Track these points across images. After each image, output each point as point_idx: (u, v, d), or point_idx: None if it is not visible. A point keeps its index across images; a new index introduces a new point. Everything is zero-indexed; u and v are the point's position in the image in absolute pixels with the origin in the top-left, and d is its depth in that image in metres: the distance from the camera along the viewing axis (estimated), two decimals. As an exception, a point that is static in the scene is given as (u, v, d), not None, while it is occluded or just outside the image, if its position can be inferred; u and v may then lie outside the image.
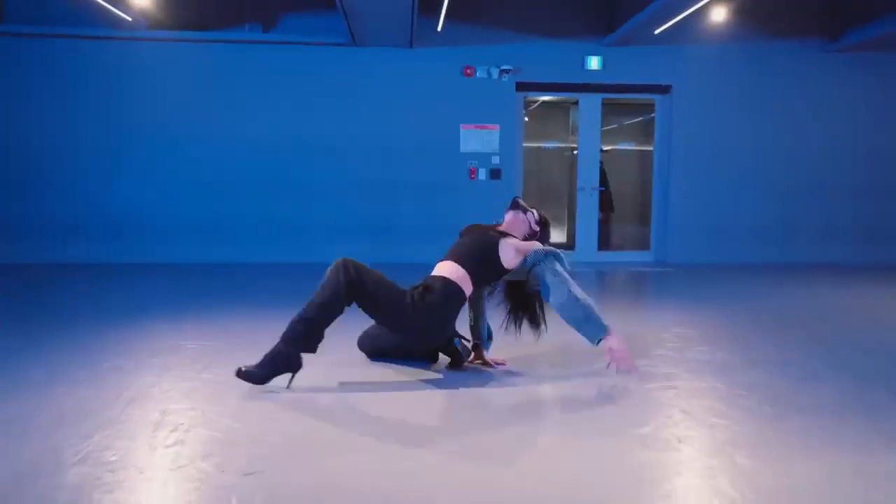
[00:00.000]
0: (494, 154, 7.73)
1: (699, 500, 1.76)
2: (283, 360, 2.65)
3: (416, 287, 2.83)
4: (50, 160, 7.30)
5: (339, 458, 2.02)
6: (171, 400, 2.59)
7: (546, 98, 9.55)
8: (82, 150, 7.32)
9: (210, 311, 4.52)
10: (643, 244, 8.41)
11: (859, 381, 2.93)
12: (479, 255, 2.93)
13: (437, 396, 2.67)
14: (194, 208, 7.43)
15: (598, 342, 2.80)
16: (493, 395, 2.70)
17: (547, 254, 2.89)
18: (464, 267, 2.88)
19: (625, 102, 8.83)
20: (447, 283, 2.82)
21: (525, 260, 2.92)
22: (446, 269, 2.89)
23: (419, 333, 2.85)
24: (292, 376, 2.70)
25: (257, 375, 2.63)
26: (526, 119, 9.10)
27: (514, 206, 3.21)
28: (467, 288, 2.88)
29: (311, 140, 7.50)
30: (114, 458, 2.00)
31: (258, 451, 2.07)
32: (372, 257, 7.78)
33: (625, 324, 4.23)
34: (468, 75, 7.66)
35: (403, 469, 1.95)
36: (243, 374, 2.62)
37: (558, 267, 2.86)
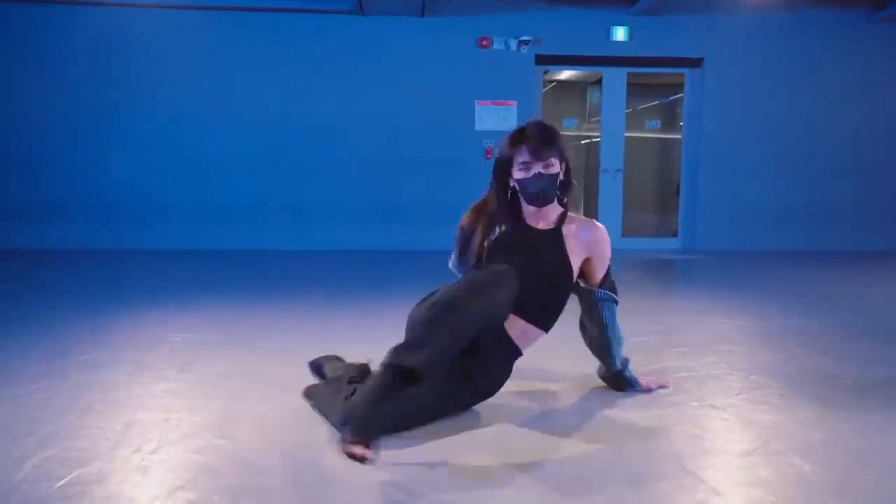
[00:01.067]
0: (512, 133, 7.17)
1: None
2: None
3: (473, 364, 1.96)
4: (37, 137, 6.77)
5: (348, 491, 1.50)
6: (142, 406, 2.07)
7: (562, 77, 8.98)
8: (70, 124, 6.79)
9: (200, 301, 4.00)
10: (668, 231, 7.85)
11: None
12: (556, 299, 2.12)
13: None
14: (185, 189, 6.89)
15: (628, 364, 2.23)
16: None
17: (605, 298, 2.16)
18: (540, 326, 2.08)
19: (643, 82, 8.24)
20: (512, 352, 2.05)
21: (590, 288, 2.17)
22: (517, 330, 2.04)
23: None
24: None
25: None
26: (542, 103, 8.55)
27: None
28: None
29: (313, 116, 6.95)
30: (61, 484, 1.48)
31: (249, 480, 1.55)
32: (378, 244, 7.39)
33: (666, 314, 3.71)
34: (484, 47, 7.09)
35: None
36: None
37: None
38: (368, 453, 1.49)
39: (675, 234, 7.76)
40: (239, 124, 6.90)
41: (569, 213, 2.18)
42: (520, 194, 2.14)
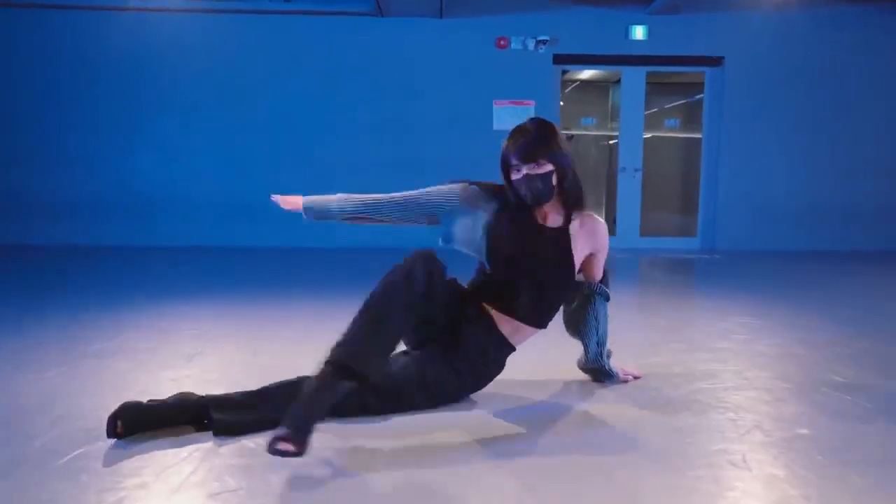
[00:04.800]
0: (530, 132, 7.20)
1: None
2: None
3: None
4: (63, 136, 7.02)
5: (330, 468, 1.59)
6: (148, 392, 2.19)
7: (585, 76, 8.97)
8: (97, 125, 7.03)
9: (221, 293, 4.14)
10: (687, 230, 7.81)
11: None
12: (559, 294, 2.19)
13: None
14: (210, 188, 7.09)
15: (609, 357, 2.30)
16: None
17: (601, 294, 2.22)
18: (533, 325, 2.13)
19: (666, 81, 8.19)
20: (504, 349, 2.12)
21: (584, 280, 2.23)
22: (508, 328, 2.09)
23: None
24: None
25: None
26: (561, 103, 8.56)
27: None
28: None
29: (334, 116, 7.08)
30: (65, 460, 1.60)
31: (241, 460, 1.65)
32: (395, 241, 7.47)
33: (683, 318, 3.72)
34: (502, 47, 7.14)
35: None
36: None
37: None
38: (298, 448, 1.52)
39: (693, 234, 7.71)
40: (262, 124, 7.07)
41: (574, 212, 2.13)
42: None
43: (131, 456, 1.66)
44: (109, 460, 1.63)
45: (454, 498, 1.47)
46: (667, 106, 9.14)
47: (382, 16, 6.92)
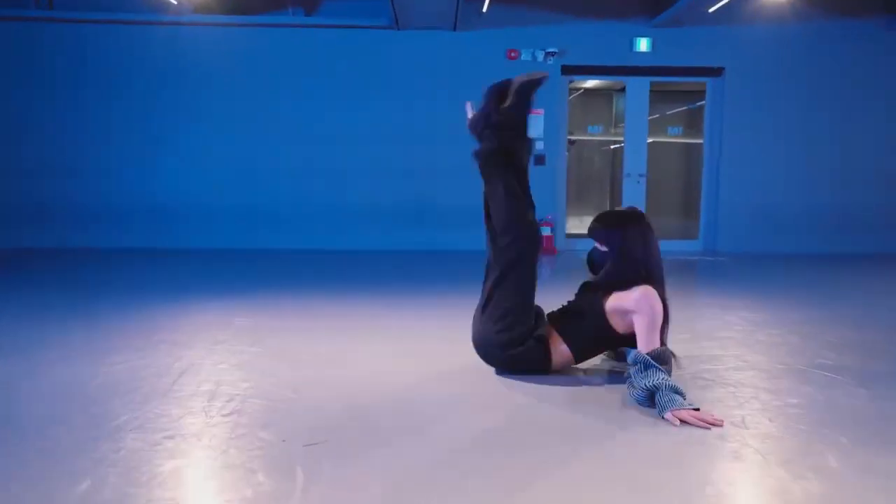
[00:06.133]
0: (539, 140, 7.54)
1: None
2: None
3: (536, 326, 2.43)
4: (93, 145, 7.35)
5: (401, 439, 1.92)
6: (224, 372, 2.52)
7: (589, 85, 9.32)
8: (126, 134, 7.36)
9: (254, 292, 4.47)
10: (689, 233, 8.13)
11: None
12: (591, 336, 2.46)
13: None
14: (233, 194, 7.41)
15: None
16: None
17: (648, 366, 2.14)
18: (572, 351, 2.47)
19: (670, 89, 8.53)
20: (546, 357, 2.43)
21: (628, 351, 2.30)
22: (556, 345, 2.45)
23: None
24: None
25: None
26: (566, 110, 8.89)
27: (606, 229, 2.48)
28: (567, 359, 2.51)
29: (351, 126, 7.42)
30: (171, 426, 1.92)
31: (318, 422, 1.98)
32: (411, 244, 7.83)
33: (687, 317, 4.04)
34: (512, 58, 7.48)
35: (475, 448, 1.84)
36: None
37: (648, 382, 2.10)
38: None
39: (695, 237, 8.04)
40: (281, 134, 7.40)
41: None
42: None
43: (214, 431, 1.98)
44: (203, 434, 1.96)
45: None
46: (668, 112, 9.49)
47: (399, 29, 7.27)
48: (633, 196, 7.89)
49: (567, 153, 8.26)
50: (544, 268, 6.21)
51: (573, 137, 8.89)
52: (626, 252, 2.39)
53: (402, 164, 7.48)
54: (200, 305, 3.92)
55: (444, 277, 5.38)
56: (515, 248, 2.40)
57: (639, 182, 7.87)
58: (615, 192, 8.65)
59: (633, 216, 2.47)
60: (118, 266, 5.99)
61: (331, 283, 5.01)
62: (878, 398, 2.25)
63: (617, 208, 2.52)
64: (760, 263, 6.60)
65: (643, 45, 7.48)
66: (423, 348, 2.95)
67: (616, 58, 7.54)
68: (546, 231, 7.40)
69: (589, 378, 2.48)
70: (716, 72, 7.64)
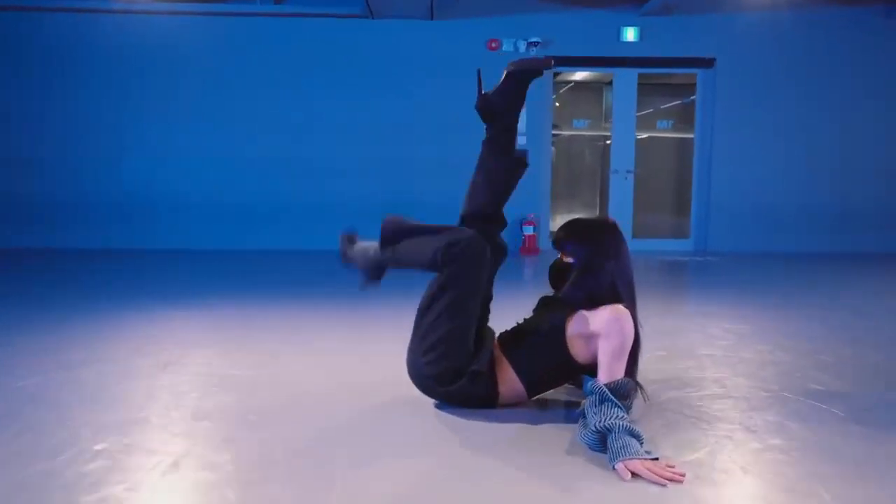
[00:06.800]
0: (521, 134, 7.19)
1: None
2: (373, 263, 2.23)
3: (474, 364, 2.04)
4: (55, 139, 7.00)
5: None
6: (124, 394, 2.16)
7: (578, 77, 8.95)
8: (89, 128, 7.01)
9: (197, 301, 4.11)
10: (681, 232, 7.78)
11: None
12: (547, 366, 2.08)
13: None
14: (198, 190, 7.07)
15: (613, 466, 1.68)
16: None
17: (604, 400, 1.81)
18: (523, 384, 2.09)
19: (665, 82, 8.16)
20: (490, 394, 2.07)
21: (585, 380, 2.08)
22: (505, 375, 2.08)
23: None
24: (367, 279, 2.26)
25: (346, 254, 2.30)
26: (557, 104, 8.53)
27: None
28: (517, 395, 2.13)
29: (324, 118, 7.07)
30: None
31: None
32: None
33: (667, 318, 3.69)
34: (493, 49, 7.12)
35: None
36: (346, 237, 2.30)
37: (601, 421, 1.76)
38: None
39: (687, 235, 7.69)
40: (251, 126, 7.05)
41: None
42: None
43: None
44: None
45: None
46: (663, 107, 9.10)
47: (373, 18, 6.90)
48: (621, 193, 7.55)
49: (554, 148, 7.92)
50: (526, 269, 5.87)
51: (560, 132, 8.54)
52: (596, 266, 2.03)
53: (378, 157, 7.13)
54: (118, 313, 3.57)
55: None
56: (447, 266, 2.02)
57: (626, 178, 7.52)
58: (606, 188, 8.29)
59: (606, 226, 2.11)
60: (54, 268, 5.63)
61: (282, 288, 4.66)
62: (871, 440, 1.90)
63: (588, 216, 2.13)
64: (753, 264, 6.26)
65: (631, 34, 7.12)
66: (346, 367, 2.60)
67: (602, 48, 7.19)
68: (529, 230, 7.06)
69: (538, 413, 2.11)
70: (707, 63, 7.28)
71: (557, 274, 2.17)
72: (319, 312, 3.76)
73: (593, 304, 1.99)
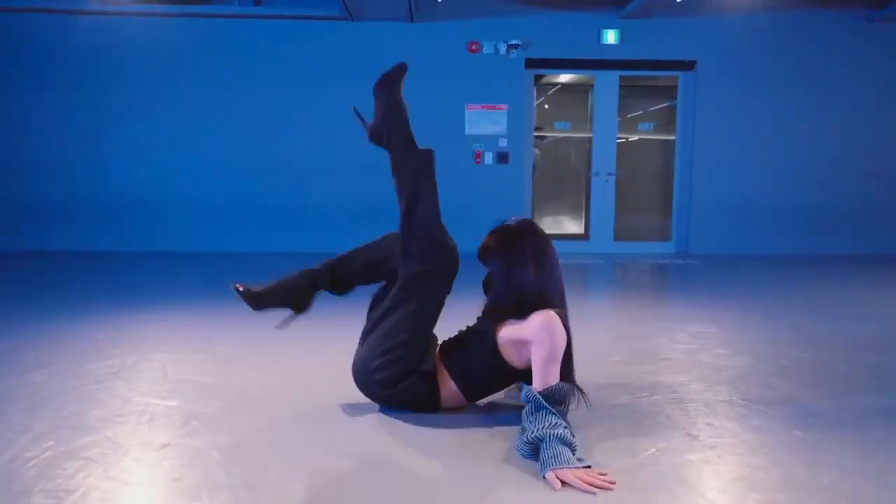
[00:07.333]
0: (502, 136, 7.18)
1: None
2: (293, 292, 2.23)
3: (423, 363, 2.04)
4: (36, 141, 6.95)
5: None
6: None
7: (564, 80, 8.94)
8: (69, 130, 6.96)
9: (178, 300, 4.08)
10: (663, 234, 7.78)
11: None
12: (482, 371, 2.08)
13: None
14: (180, 192, 7.01)
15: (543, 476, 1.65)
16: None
17: (539, 407, 1.79)
18: (460, 389, 2.09)
19: (643, 85, 8.14)
20: (432, 395, 2.07)
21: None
22: (446, 382, 2.08)
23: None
24: (292, 315, 2.27)
25: (256, 296, 2.17)
26: (546, 107, 8.52)
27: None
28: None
29: (305, 121, 7.02)
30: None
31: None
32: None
33: (638, 323, 3.69)
34: (473, 51, 7.11)
35: None
36: (241, 290, 2.16)
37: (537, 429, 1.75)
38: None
39: (668, 238, 7.68)
40: (232, 129, 7.00)
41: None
42: None
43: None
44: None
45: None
46: (650, 109, 9.10)
47: (353, 20, 6.88)
48: (603, 196, 7.54)
49: (537, 150, 7.92)
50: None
51: (544, 134, 8.53)
52: (514, 275, 2.00)
53: (359, 159, 7.08)
54: (84, 317, 3.54)
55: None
56: (426, 269, 2.06)
57: (608, 181, 7.52)
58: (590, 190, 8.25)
59: (521, 231, 2.07)
60: (23, 271, 5.59)
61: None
62: (810, 445, 1.89)
63: (506, 223, 2.11)
64: (732, 266, 6.25)
65: (611, 37, 7.11)
66: (298, 371, 2.58)
67: (583, 50, 7.17)
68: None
69: (478, 419, 2.09)
70: (688, 65, 7.28)
71: (488, 284, 2.14)
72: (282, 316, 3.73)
73: (522, 310, 1.96)
